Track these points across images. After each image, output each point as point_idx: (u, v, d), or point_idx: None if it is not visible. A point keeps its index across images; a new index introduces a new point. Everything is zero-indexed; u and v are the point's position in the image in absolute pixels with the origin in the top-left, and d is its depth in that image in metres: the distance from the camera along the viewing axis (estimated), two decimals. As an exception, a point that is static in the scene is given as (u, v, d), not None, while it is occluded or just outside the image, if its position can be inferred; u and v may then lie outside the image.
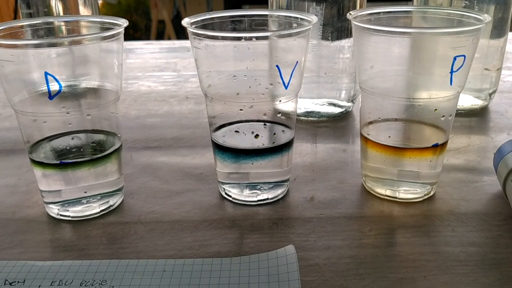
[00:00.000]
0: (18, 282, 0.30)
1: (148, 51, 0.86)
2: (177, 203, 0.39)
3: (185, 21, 0.35)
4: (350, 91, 0.53)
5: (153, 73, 0.73)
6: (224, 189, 0.39)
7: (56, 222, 0.36)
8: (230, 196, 0.38)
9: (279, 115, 0.37)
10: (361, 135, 0.38)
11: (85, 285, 0.29)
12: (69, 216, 0.36)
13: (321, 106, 0.54)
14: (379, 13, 0.38)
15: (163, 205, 0.38)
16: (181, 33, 2.54)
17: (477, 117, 0.54)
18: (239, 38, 0.32)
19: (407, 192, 0.37)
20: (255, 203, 0.38)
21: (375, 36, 0.34)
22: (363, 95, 0.37)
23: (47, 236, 0.35)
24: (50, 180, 0.35)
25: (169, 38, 2.47)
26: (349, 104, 0.54)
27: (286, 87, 0.34)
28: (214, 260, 0.31)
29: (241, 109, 0.35)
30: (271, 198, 0.38)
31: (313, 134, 0.50)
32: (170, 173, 0.43)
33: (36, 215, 0.37)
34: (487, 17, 0.34)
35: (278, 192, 0.39)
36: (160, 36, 2.60)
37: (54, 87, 0.32)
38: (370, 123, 0.37)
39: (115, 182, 0.37)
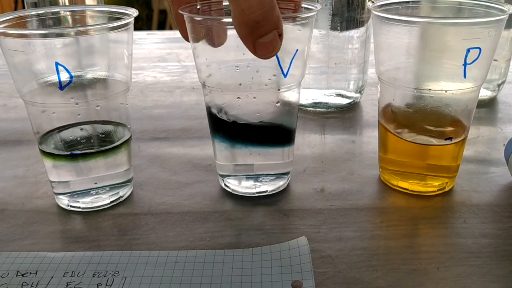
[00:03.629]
0: (30, 273, 0.30)
1: (152, 41, 0.85)
2: (186, 194, 0.38)
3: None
4: (359, 82, 0.53)
5: (158, 63, 0.72)
6: (223, 181, 0.39)
7: (66, 213, 0.36)
8: (229, 187, 0.38)
9: (279, 104, 0.36)
10: (380, 127, 0.38)
11: (98, 276, 0.29)
12: (79, 207, 0.36)
13: (328, 97, 0.53)
14: (398, 3, 0.37)
15: (172, 196, 0.38)
16: (183, 23, 2.52)
17: (485, 108, 0.54)
18: None
19: (425, 185, 0.37)
20: (254, 195, 0.38)
21: (395, 26, 0.33)
22: (382, 87, 0.37)
23: (57, 227, 0.35)
24: (60, 171, 0.35)
25: (171, 28, 2.45)
26: (357, 95, 0.54)
27: (285, 76, 0.34)
28: (226, 251, 0.31)
29: (241, 99, 0.35)
30: (271, 191, 0.38)
31: (321, 125, 0.50)
32: (178, 164, 0.43)
33: (46, 206, 0.37)
34: (510, 8, 0.32)
35: (280, 184, 0.38)
36: (161, 26, 2.58)
37: (65, 77, 0.32)
38: (389, 113, 0.37)
39: (125, 173, 0.37)
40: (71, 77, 0.32)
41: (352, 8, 0.48)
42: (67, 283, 0.29)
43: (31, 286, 0.29)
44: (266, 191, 0.38)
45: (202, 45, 0.34)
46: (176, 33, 0.95)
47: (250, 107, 0.35)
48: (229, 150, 0.37)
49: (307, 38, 0.34)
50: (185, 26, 0.34)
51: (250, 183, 0.37)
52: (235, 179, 0.38)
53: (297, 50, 0.34)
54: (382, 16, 0.34)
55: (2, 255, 0.31)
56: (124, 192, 0.38)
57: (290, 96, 0.36)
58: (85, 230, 0.34)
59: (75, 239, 0.33)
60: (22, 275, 0.30)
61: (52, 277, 0.29)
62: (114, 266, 0.30)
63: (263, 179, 0.37)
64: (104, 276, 0.29)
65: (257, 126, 0.36)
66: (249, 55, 0.30)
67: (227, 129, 0.36)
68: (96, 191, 0.36)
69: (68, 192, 0.36)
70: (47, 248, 0.32)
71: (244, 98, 0.34)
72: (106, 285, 0.29)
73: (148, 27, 2.50)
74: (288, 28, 0.33)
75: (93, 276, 0.29)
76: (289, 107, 0.36)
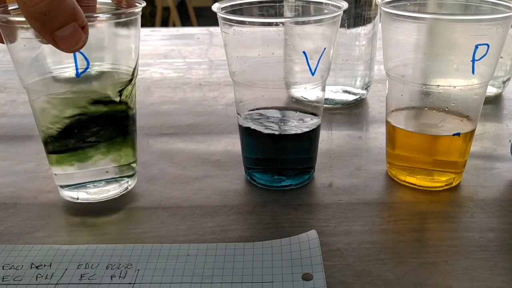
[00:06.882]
0: (45, 265, 0.30)
1: (156, 38, 0.86)
2: (196, 189, 0.39)
3: (215, 7, 0.35)
4: (365, 78, 0.53)
5: (164, 59, 0.73)
6: (249, 173, 0.39)
7: (78, 206, 0.37)
8: (255, 181, 0.39)
9: (306, 101, 0.37)
10: (387, 123, 0.38)
11: (111, 268, 0.30)
12: (88, 200, 0.37)
13: (335, 93, 0.54)
14: None
15: (182, 190, 0.39)
16: (186, 20, 2.53)
17: (491, 105, 0.54)
18: (270, 24, 0.33)
19: (433, 181, 0.38)
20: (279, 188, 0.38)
21: (404, 22, 0.33)
22: (390, 83, 0.37)
23: (70, 220, 0.35)
24: (66, 164, 0.36)
25: (174, 25, 2.46)
26: (363, 91, 0.54)
27: (313, 74, 0.34)
28: (237, 244, 0.32)
29: (265, 95, 0.35)
30: (295, 185, 0.38)
31: (328, 121, 0.50)
32: (187, 159, 0.44)
33: (58, 200, 0.37)
34: None
35: (305, 178, 0.39)
36: (164, 23, 2.58)
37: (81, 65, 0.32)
38: (397, 110, 0.37)
39: (130, 166, 0.38)
40: (88, 63, 0.32)
41: (359, 5, 0.49)
42: (81, 275, 0.29)
43: (46, 278, 0.29)
44: (291, 184, 0.38)
45: (233, 42, 0.34)
46: (180, 30, 0.96)
47: (276, 103, 0.36)
48: (256, 144, 0.37)
49: (333, 37, 0.35)
50: None
51: (276, 177, 0.38)
52: (261, 172, 0.39)
53: (324, 48, 0.34)
54: (391, 13, 0.34)
55: (16, 248, 0.32)
56: (131, 183, 0.38)
57: (317, 93, 0.37)
58: (97, 223, 0.35)
59: (87, 232, 0.34)
60: (37, 267, 0.30)
61: (66, 269, 0.30)
62: (127, 258, 0.31)
63: (288, 172, 0.38)
64: (118, 268, 0.30)
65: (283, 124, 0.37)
66: (278, 53, 0.31)
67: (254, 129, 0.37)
68: (103, 183, 0.36)
69: (72, 184, 0.36)
70: (60, 241, 0.33)
71: (272, 94, 0.35)
72: (120, 277, 0.29)
73: (152, 24, 2.51)
74: (315, 28, 0.34)
75: (106, 268, 0.30)
76: (315, 104, 0.37)
